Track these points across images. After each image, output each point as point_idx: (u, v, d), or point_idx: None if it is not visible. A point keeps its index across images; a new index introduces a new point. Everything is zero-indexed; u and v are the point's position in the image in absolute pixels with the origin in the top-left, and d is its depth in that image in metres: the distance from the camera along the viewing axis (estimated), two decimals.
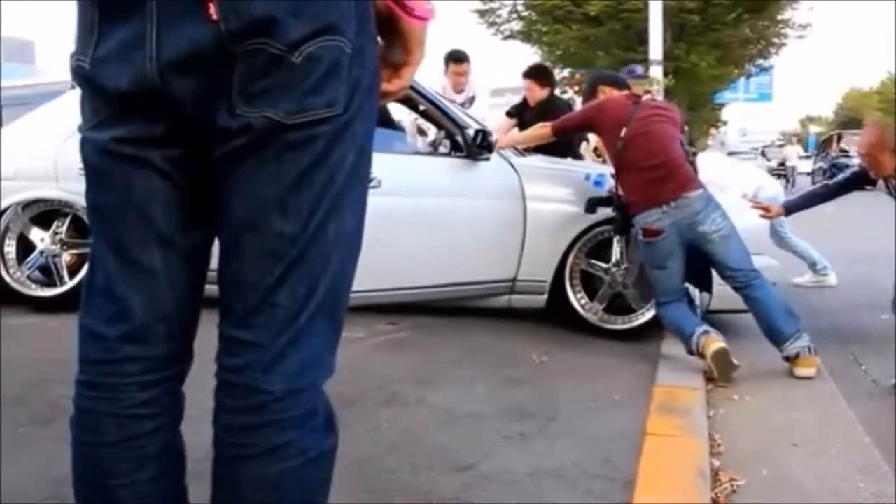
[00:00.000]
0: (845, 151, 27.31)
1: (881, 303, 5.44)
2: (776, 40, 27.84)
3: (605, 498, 2.54)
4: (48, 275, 5.29)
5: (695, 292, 4.66)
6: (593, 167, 5.54)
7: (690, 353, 4.15)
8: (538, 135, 5.16)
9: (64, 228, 5.27)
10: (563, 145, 5.79)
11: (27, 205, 5.27)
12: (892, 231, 5.11)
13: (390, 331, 4.76)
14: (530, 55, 26.44)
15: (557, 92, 8.49)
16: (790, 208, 5.53)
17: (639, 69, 7.87)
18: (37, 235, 5.28)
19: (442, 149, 5.15)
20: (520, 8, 25.70)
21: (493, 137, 5.06)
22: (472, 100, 7.61)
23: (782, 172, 29.47)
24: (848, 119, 70.35)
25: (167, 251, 1.35)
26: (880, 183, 5.11)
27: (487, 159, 4.99)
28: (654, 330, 4.74)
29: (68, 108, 4.71)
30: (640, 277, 4.56)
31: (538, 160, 5.36)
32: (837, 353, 4.65)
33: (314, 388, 1.34)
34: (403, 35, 1.37)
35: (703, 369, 4.06)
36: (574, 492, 2.59)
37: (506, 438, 3.06)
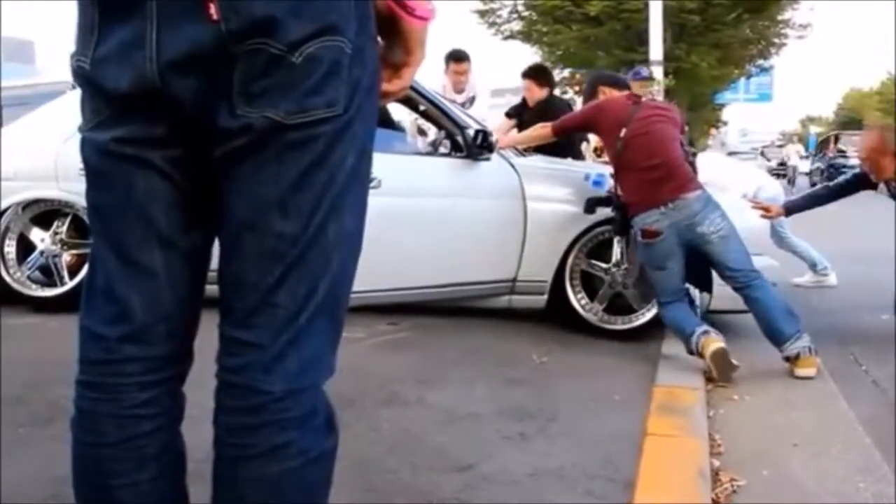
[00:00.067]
0: (842, 152, 27.42)
1: (881, 303, 5.45)
2: (776, 40, 27.85)
3: (606, 498, 2.54)
4: (48, 275, 5.29)
5: (695, 292, 4.66)
6: (593, 167, 5.53)
7: (690, 352, 4.15)
8: (538, 135, 5.16)
9: (64, 229, 5.27)
10: (563, 145, 5.79)
11: (27, 205, 5.27)
12: (892, 231, 5.11)
13: (390, 331, 4.76)
14: (530, 55, 26.46)
15: (557, 92, 8.50)
16: (790, 209, 5.54)
17: (644, 71, 7.88)
18: (37, 236, 5.28)
19: (442, 149, 5.15)
20: (520, 8, 25.70)
21: (494, 138, 5.06)
22: (472, 100, 7.62)
23: (782, 172, 29.48)
24: (848, 119, 70.40)
25: (167, 251, 1.35)
26: (881, 186, 5.11)
27: (488, 159, 4.99)
28: (654, 330, 4.75)
29: (68, 108, 4.71)
30: (641, 278, 4.57)
31: (538, 160, 5.36)
32: (838, 354, 4.65)
33: (314, 388, 1.34)
34: (404, 35, 1.37)
35: (704, 369, 4.06)
36: (574, 492, 2.59)
37: (506, 439, 3.06)
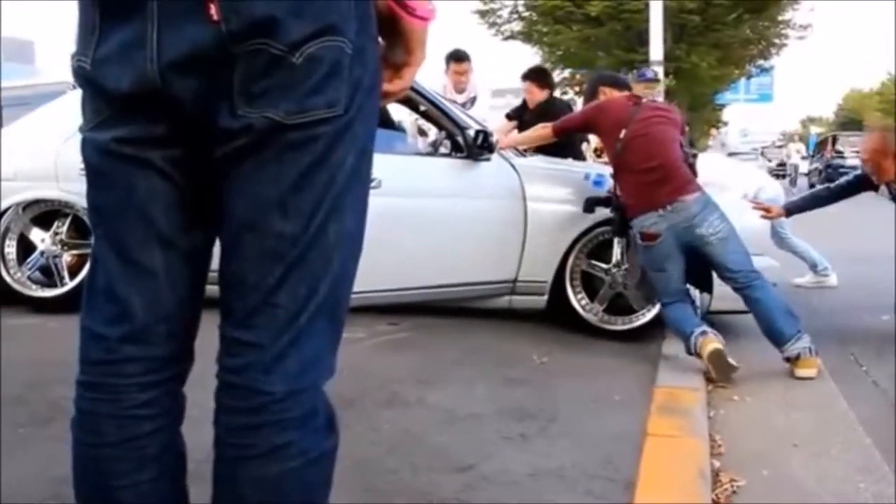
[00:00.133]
0: (840, 153, 27.53)
1: (882, 303, 5.46)
2: (777, 41, 27.86)
3: (606, 498, 2.54)
4: (48, 275, 5.29)
5: (695, 293, 4.66)
6: (594, 167, 5.54)
7: (689, 353, 4.15)
8: (539, 135, 5.17)
9: (64, 229, 5.27)
10: (563, 146, 5.79)
11: (28, 205, 5.27)
12: (892, 232, 5.12)
13: (391, 331, 4.76)
14: (531, 56, 26.49)
15: (558, 92, 8.51)
16: (791, 210, 5.54)
17: (649, 72, 7.87)
18: (37, 236, 5.29)
19: (442, 149, 5.15)
20: (520, 8, 25.72)
21: (494, 138, 5.06)
22: (473, 100, 7.62)
23: (781, 173, 29.47)
24: (848, 120, 70.38)
25: (168, 252, 1.35)
26: (882, 188, 5.12)
27: (488, 160, 4.99)
28: (654, 330, 4.75)
29: (68, 109, 4.72)
30: (643, 279, 4.56)
31: (539, 161, 5.37)
32: (838, 354, 4.65)
33: (315, 388, 1.34)
34: (405, 35, 1.37)
35: (704, 370, 4.06)
36: (574, 492, 2.59)
37: (506, 439, 3.06)
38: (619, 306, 4.93)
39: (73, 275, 5.21)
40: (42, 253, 5.26)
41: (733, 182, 6.44)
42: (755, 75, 31.60)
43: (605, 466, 2.78)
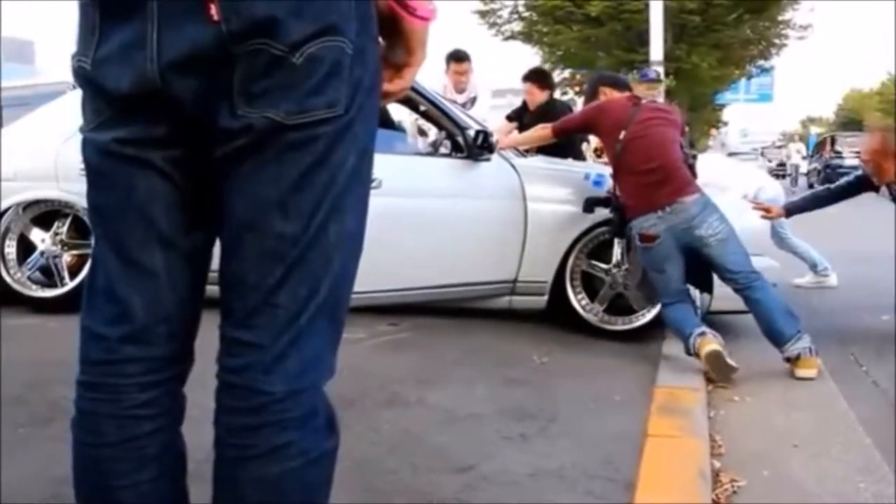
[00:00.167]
0: (839, 153, 27.72)
1: (882, 304, 5.46)
2: (777, 41, 27.86)
3: (606, 499, 2.54)
4: (49, 275, 5.29)
5: (695, 293, 4.66)
6: (594, 167, 5.54)
7: (688, 353, 4.15)
8: (539, 136, 5.17)
9: (64, 229, 5.27)
10: (564, 146, 5.79)
11: (28, 205, 5.27)
12: (892, 232, 5.12)
13: (391, 331, 4.76)
14: (531, 56, 26.49)
15: (558, 93, 8.51)
16: (791, 210, 5.54)
17: (651, 73, 7.87)
18: (37, 236, 5.28)
19: (443, 149, 5.15)
20: (520, 9, 25.72)
21: (494, 138, 5.06)
22: (473, 100, 7.63)
23: (781, 173, 29.54)
24: (848, 120, 70.38)
25: (168, 252, 1.35)
26: (883, 189, 5.12)
27: (488, 160, 4.99)
28: (654, 331, 4.75)
29: (68, 109, 4.72)
30: (644, 280, 4.56)
31: (539, 161, 5.37)
32: (838, 354, 4.65)
33: (315, 388, 1.34)
34: (405, 35, 1.37)
35: (704, 370, 4.06)
36: (575, 493, 2.58)
37: (506, 439, 3.06)
38: (619, 306, 4.93)
39: (73, 275, 5.20)
40: (42, 253, 5.26)
41: (733, 182, 6.45)
42: (755, 75, 31.59)
43: (605, 467, 2.78)
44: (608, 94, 4.87)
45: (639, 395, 3.62)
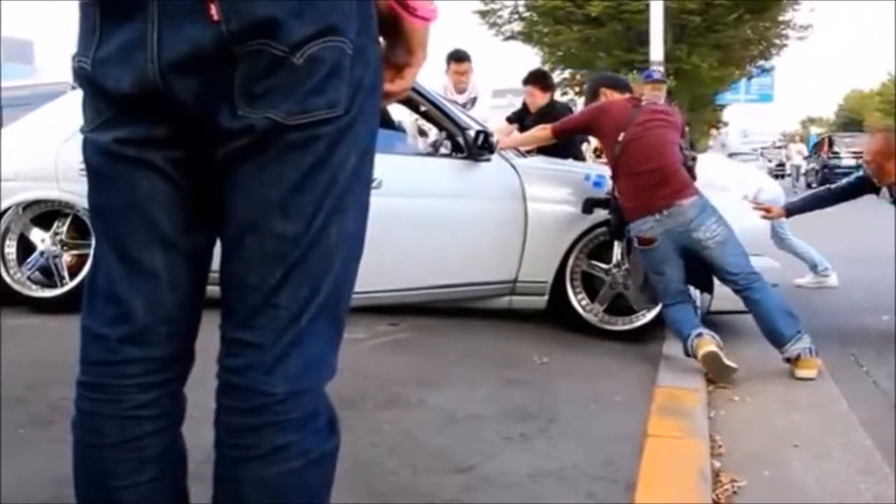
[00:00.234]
0: (836, 154, 28.12)
1: (882, 304, 5.46)
2: (777, 41, 27.87)
3: (607, 499, 2.54)
4: (48, 275, 5.29)
5: (695, 293, 4.66)
6: (594, 168, 5.54)
7: (686, 354, 4.15)
8: (539, 136, 5.17)
9: (64, 229, 5.27)
10: (564, 146, 5.79)
11: (28, 205, 5.27)
12: (892, 233, 5.12)
13: (391, 332, 4.76)
14: (531, 56, 26.50)
15: (558, 93, 8.51)
16: (791, 210, 5.54)
17: (655, 73, 7.88)
18: (37, 236, 5.28)
19: (443, 150, 5.15)
20: (521, 9, 25.73)
21: (494, 138, 5.06)
22: (474, 101, 7.63)
23: (781, 173, 29.65)
24: (849, 120, 70.42)
25: (169, 253, 1.35)
26: (883, 191, 5.13)
27: (488, 160, 4.99)
28: (655, 331, 4.75)
29: (68, 109, 4.72)
30: (646, 282, 4.56)
31: (539, 161, 5.37)
32: (838, 355, 4.65)
33: (316, 389, 1.34)
34: (406, 35, 1.37)
35: (704, 370, 4.05)
36: (575, 493, 2.58)
37: (507, 440, 3.06)
38: (619, 307, 4.93)
39: (73, 275, 5.20)
40: (42, 253, 5.25)
41: (733, 183, 6.45)
42: (756, 76, 31.61)
43: (605, 467, 2.78)
44: (608, 96, 4.87)
45: (639, 396, 3.62)
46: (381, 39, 1.36)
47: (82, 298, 1.41)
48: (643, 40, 17.65)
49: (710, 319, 4.72)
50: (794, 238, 7.07)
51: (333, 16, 1.23)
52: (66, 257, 5.27)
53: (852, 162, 24.64)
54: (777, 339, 4.18)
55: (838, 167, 25.53)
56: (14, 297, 5.14)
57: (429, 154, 5.31)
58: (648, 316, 4.78)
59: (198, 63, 1.21)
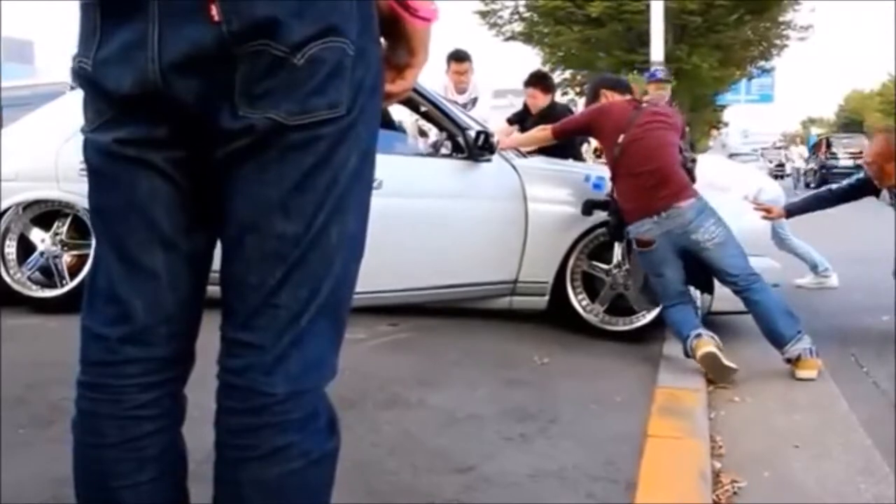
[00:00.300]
0: (834, 154, 28.54)
1: (882, 304, 5.46)
2: (778, 42, 27.90)
3: (607, 499, 2.54)
4: (49, 276, 5.29)
5: (696, 293, 4.65)
6: (594, 169, 5.54)
7: (686, 355, 4.15)
8: (539, 136, 5.18)
9: (64, 229, 5.27)
10: (564, 147, 5.79)
11: (28, 205, 5.26)
12: (892, 233, 5.12)
13: (391, 332, 4.76)
14: (532, 57, 26.52)
15: (558, 93, 8.52)
16: (792, 211, 5.54)
17: (660, 72, 7.86)
18: (37, 236, 5.28)
19: (443, 150, 5.15)
20: (521, 9, 25.75)
21: (495, 139, 5.06)
22: (474, 101, 7.63)
23: (780, 173, 29.81)
24: (849, 120, 70.43)
25: (169, 253, 1.35)
26: (884, 194, 5.14)
27: (489, 161, 4.99)
28: (655, 331, 4.74)
29: (68, 109, 4.73)
30: (647, 284, 4.56)
31: (539, 161, 5.36)
32: (838, 355, 4.64)
33: (316, 390, 1.34)
34: (407, 36, 1.37)
35: (704, 371, 4.05)
36: (575, 493, 2.58)
37: (507, 440, 3.05)
38: (619, 307, 4.93)
39: (73, 275, 5.20)
40: (42, 253, 5.25)
41: (733, 183, 6.45)
42: (756, 76, 31.65)
43: (605, 467, 2.78)
44: (609, 97, 4.87)
45: (639, 396, 3.62)
46: (382, 40, 1.35)
47: (82, 298, 1.41)
48: (643, 41, 17.67)
49: (711, 320, 4.72)
50: (794, 238, 7.07)
51: (334, 16, 1.23)
52: (66, 257, 5.27)
53: (849, 162, 24.89)
54: (777, 340, 4.18)
55: (836, 167, 25.87)
56: (14, 297, 5.14)
57: (429, 154, 5.31)
58: (649, 316, 4.78)
59: (198, 63, 1.21)
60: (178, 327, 1.38)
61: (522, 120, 7.16)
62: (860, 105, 74.41)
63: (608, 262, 4.92)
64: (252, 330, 1.30)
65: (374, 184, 1.39)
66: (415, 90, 4.59)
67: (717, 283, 4.52)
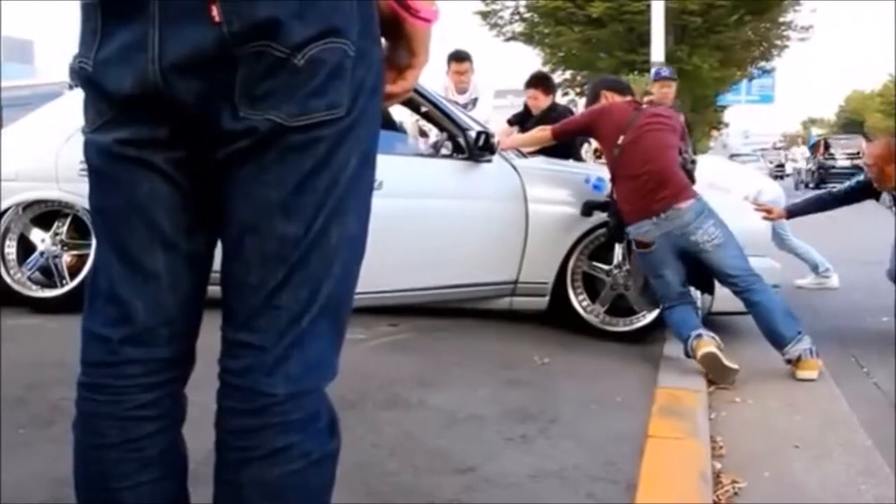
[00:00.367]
0: (832, 155, 29.16)
1: (882, 305, 5.46)
2: (778, 42, 27.91)
3: (607, 500, 2.54)
4: (49, 276, 5.29)
5: (696, 294, 4.65)
6: (594, 170, 5.53)
7: (686, 355, 4.15)
8: (539, 137, 5.18)
9: (64, 229, 5.26)
10: (564, 147, 5.79)
11: (28, 205, 5.26)
12: (893, 233, 5.13)
13: (392, 332, 4.76)
14: (532, 57, 26.52)
15: (559, 94, 8.52)
16: (793, 212, 5.55)
17: (664, 71, 7.86)
18: (37, 236, 5.28)
19: (444, 150, 5.14)
20: (522, 10, 25.75)
21: (495, 139, 5.06)
22: (475, 101, 7.64)
23: (780, 174, 30.00)
24: (850, 121, 70.44)
25: (170, 254, 1.35)
26: (884, 197, 5.14)
27: (489, 161, 4.99)
28: (656, 332, 4.75)
29: (68, 109, 4.73)
30: (647, 285, 4.56)
31: (540, 162, 5.36)
32: (839, 356, 4.65)
33: (317, 390, 1.34)
34: (408, 37, 1.37)
35: (704, 371, 4.05)
36: (576, 494, 2.58)
37: (507, 440, 3.05)
38: (620, 308, 4.93)
39: (73, 275, 5.20)
40: (42, 253, 5.25)
41: (733, 184, 6.46)
42: (757, 77, 31.65)
43: (606, 468, 2.78)
44: (609, 98, 4.87)
45: (640, 397, 3.62)
46: (382, 41, 1.35)
47: (83, 299, 1.41)
48: (644, 41, 17.67)
49: (711, 320, 4.73)
50: (794, 239, 7.08)
51: (335, 17, 1.23)
52: (66, 257, 5.26)
53: (847, 163, 25.06)
54: (778, 341, 4.18)
55: (834, 168, 26.15)
56: (14, 297, 5.14)
57: (430, 155, 5.31)
58: (649, 317, 4.78)
59: (199, 64, 1.21)
60: (178, 328, 1.38)
61: (523, 121, 7.16)
62: (861, 106, 74.40)
63: (609, 262, 4.92)
64: (253, 331, 1.30)
65: (375, 184, 1.39)
66: (415, 90, 4.60)
67: (717, 284, 4.52)
